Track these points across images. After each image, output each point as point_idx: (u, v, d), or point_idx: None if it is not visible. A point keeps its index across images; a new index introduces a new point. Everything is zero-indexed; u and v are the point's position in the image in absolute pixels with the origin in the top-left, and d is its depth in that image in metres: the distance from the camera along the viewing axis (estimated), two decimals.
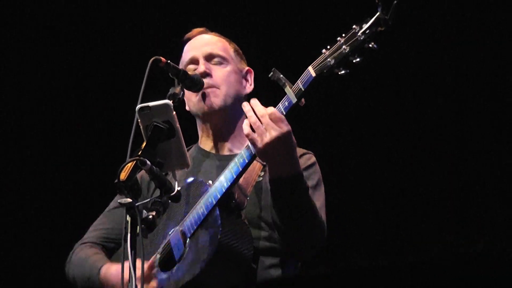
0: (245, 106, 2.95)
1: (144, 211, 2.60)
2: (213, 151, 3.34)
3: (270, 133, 2.87)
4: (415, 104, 4.74)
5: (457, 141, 4.69)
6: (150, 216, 2.61)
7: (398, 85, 4.78)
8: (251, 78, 3.40)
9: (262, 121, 2.89)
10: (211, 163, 3.28)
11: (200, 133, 3.40)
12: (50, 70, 5.15)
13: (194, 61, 3.33)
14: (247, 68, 3.41)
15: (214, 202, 2.99)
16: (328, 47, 2.90)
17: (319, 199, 3.12)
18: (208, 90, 3.23)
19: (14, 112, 5.17)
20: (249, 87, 3.38)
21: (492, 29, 4.58)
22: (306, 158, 3.20)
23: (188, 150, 3.31)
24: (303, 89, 2.90)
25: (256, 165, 3.11)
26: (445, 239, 4.64)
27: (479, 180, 4.63)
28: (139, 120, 2.70)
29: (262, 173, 3.15)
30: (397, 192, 4.78)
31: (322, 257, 3.47)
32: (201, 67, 3.29)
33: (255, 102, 2.94)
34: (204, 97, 3.24)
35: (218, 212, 2.98)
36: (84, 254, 3.23)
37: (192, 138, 3.40)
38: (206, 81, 3.22)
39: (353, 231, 4.84)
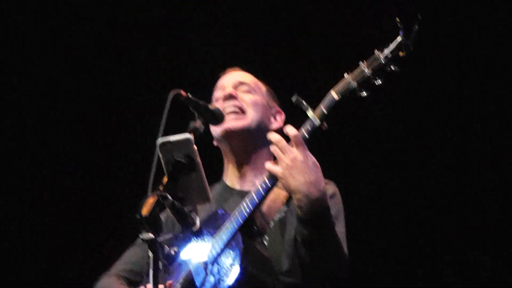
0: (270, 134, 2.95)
1: (166, 247, 2.60)
2: (237, 187, 3.32)
3: (288, 155, 2.87)
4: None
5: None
6: (173, 252, 2.60)
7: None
8: (280, 118, 3.39)
9: (279, 145, 2.89)
10: (234, 200, 3.26)
11: (225, 166, 3.39)
12: (76, 100, 5.20)
13: (222, 88, 3.34)
14: (278, 108, 3.41)
15: (236, 227, 2.99)
16: (349, 71, 2.93)
17: (341, 231, 3.09)
18: (232, 109, 3.24)
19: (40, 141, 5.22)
20: (277, 125, 3.36)
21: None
22: (327, 189, 3.15)
23: (212, 187, 3.33)
24: (325, 112, 2.92)
25: (281, 195, 3.10)
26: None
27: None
28: (160, 155, 2.69)
29: (286, 207, 3.14)
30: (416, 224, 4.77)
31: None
32: (227, 90, 3.30)
33: (272, 133, 2.95)
34: (228, 117, 3.23)
35: (240, 237, 2.97)
36: (108, 282, 3.25)
37: (217, 176, 3.41)
38: (230, 103, 3.25)
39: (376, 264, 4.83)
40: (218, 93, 3.34)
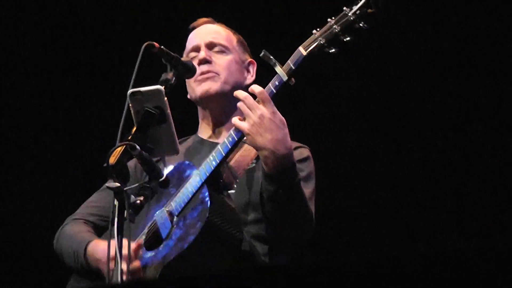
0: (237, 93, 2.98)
1: (132, 196, 2.62)
2: (210, 139, 3.35)
3: (254, 113, 2.91)
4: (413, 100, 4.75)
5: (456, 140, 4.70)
6: (138, 201, 2.63)
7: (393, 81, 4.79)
8: (253, 69, 3.42)
9: (246, 102, 2.93)
10: (205, 151, 3.28)
11: (200, 121, 3.42)
12: (40, 52, 5.16)
13: (196, 48, 3.36)
14: (249, 59, 3.43)
15: (202, 180, 3.01)
16: (318, 28, 2.96)
17: (309, 192, 3.12)
18: (207, 75, 3.27)
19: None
20: (250, 78, 3.40)
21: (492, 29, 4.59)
22: (300, 152, 3.21)
23: (186, 139, 3.36)
24: (293, 68, 2.95)
25: (251, 152, 3.12)
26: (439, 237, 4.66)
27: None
28: (130, 105, 2.70)
29: (255, 161, 3.16)
30: (395, 189, 4.78)
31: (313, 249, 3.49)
32: (202, 54, 3.32)
33: (238, 91, 2.99)
34: (202, 82, 3.27)
35: (206, 190, 2.99)
36: (76, 229, 3.24)
37: (191, 128, 3.43)
38: (205, 67, 3.28)
39: (348, 227, 4.85)
40: (192, 53, 3.36)
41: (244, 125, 2.93)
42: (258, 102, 2.94)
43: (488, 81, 4.61)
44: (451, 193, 4.68)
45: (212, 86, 3.28)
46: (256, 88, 2.94)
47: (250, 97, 2.93)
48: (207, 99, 3.31)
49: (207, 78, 3.27)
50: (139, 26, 5.00)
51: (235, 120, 2.97)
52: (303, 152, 3.23)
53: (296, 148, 3.17)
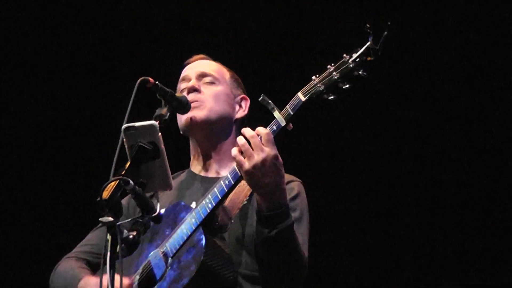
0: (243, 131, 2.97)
1: (125, 231, 2.61)
2: (201, 174, 3.35)
3: (258, 155, 2.89)
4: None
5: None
6: (131, 236, 2.61)
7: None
8: (245, 105, 3.41)
9: (252, 142, 2.91)
10: (197, 186, 3.29)
11: (192, 154, 3.42)
12: (40, 86, 5.18)
13: (186, 79, 3.37)
14: (242, 95, 3.43)
15: (198, 223, 3.00)
16: (318, 75, 2.96)
17: (302, 233, 3.11)
18: (193, 104, 3.24)
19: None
20: (242, 112, 3.39)
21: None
22: (291, 188, 3.19)
23: (180, 174, 3.37)
24: (292, 113, 2.94)
25: (245, 189, 3.11)
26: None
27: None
28: (124, 140, 2.70)
29: (248, 199, 3.15)
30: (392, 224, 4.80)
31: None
32: (191, 82, 3.33)
33: (245, 128, 2.97)
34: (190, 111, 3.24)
35: (201, 232, 2.98)
36: (68, 266, 3.24)
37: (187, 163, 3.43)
38: (193, 95, 3.28)
39: (342, 267, 4.86)
40: (182, 85, 3.38)
41: (245, 164, 2.91)
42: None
43: (487, 82, 4.67)
44: (451, 202, 4.71)
45: (197, 114, 3.28)
46: (262, 130, 2.93)
47: (257, 137, 2.91)
48: (192, 127, 3.30)
49: (194, 107, 3.25)
50: (134, 62, 5.03)
51: (236, 154, 2.93)
52: (294, 187, 3.21)
53: (287, 182, 3.14)
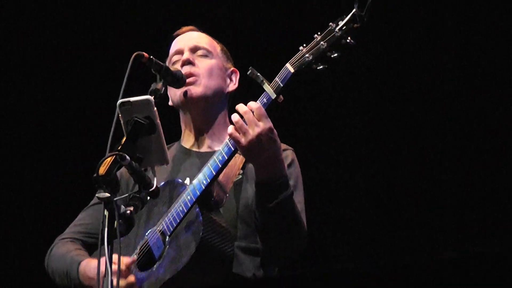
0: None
1: (123, 206, 2.60)
2: (194, 148, 3.34)
3: (253, 130, 2.89)
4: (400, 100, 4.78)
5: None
6: (128, 211, 2.60)
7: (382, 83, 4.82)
8: (235, 78, 3.40)
9: (245, 118, 2.91)
10: (191, 161, 3.28)
11: (182, 129, 3.40)
12: (34, 61, 5.16)
13: (179, 52, 3.35)
14: (232, 68, 3.42)
15: (194, 199, 2.99)
16: (305, 44, 2.96)
17: (300, 201, 3.13)
18: (189, 79, 3.24)
19: None
20: (233, 85, 3.38)
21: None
22: (285, 156, 3.18)
23: (169, 148, 3.34)
24: (281, 85, 2.94)
25: (238, 160, 3.11)
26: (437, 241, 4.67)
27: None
28: (119, 115, 2.69)
29: (242, 171, 3.16)
30: (385, 192, 4.79)
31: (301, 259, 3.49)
32: (185, 55, 3.31)
33: (239, 105, 2.97)
34: (184, 86, 3.22)
35: (198, 209, 2.98)
36: (65, 249, 3.23)
37: (177, 136, 3.41)
38: (187, 68, 3.26)
39: (336, 232, 4.85)
40: (175, 57, 3.35)
41: (242, 140, 2.91)
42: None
43: (486, 83, 4.65)
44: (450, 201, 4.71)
45: (194, 90, 3.26)
46: (253, 104, 2.93)
47: (250, 112, 2.91)
48: (189, 104, 3.28)
49: (189, 83, 3.24)
50: (128, 36, 5.01)
51: (233, 131, 2.93)
52: (288, 155, 3.22)
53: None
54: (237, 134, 2.92)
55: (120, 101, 2.69)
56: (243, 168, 3.14)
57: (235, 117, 2.93)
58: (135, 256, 3.06)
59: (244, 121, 2.91)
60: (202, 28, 3.48)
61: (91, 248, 3.25)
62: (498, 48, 4.60)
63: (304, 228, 3.07)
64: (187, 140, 3.37)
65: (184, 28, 3.45)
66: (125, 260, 2.98)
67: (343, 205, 4.83)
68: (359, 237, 4.81)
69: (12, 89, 5.16)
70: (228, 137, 2.97)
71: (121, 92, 2.73)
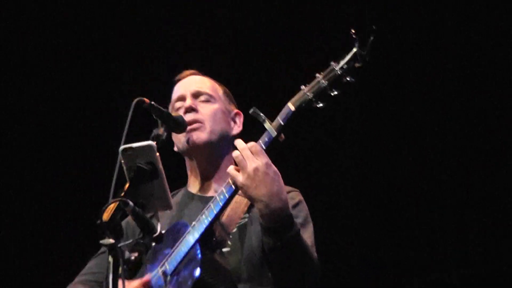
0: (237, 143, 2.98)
1: (127, 252, 2.61)
2: (199, 193, 3.34)
3: (250, 164, 2.90)
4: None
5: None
6: (133, 257, 2.61)
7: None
8: (239, 120, 3.41)
9: (243, 154, 2.92)
10: (196, 206, 3.28)
11: (188, 174, 3.41)
12: (39, 103, 5.17)
13: (181, 98, 3.35)
14: (236, 110, 3.43)
15: (196, 239, 3.00)
16: (307, 84, 2.98)
17: (309, 237, 3.11)
18: (193, 125, 3.25)
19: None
20: (237, 128, 3.39)
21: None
22: (291, 197, 3.18)
23: (176, 193, 3.36)
24: (282, 124, 2.96)
25: (242, 203, 3.13)
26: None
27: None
28: (122, 161, 2.70)
29: (247, 215, 3.16)
30: (385, 192, 4.83)
31: None
32: (187, 102, 3.31)
33: (238, 141, 2.98)
34: (189, 133, 3.25)
35: (198, 248, 2.98)
36: None
37: (183, 182, 3.43)
38: (191, 116, 3.26)
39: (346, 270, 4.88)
40: (178, 103, 3.36)
41: (239, 178, 2.93)
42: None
43: (486, 83, 4.70)
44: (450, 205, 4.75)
45: (199, 136, 3.27)
46: (248, 144, 2.94)
47: (247, 149, 2.93)
48: (194, 150, 3.29)
49: (194, 129, 3.25)
50: (130, 82, 5.03)
51: (231, 170, 2.95)
52: (294, 196, 3.22)
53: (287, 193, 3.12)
54: (234, 172, 2.94)
55: (122, 147, 2.69)
56: (248, 212, 3.15)
57: (235, 153, 2.95)
58: None
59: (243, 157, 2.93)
60: (202, 68, 3.50)
61: None
62: (498, 48, 4.66)
63: (315, 263, 3.04)
64: (193, 185, 3.38)
65: (186, 72, 3.46)
66: None
67: (344, 205, 4.86)
68: (360, 237, 4.84)
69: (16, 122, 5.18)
70: (230, 179, 2.98)
71: (123, 138, 2.74)
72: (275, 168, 2.95)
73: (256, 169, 2.89)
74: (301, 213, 3.18)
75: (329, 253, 4.67)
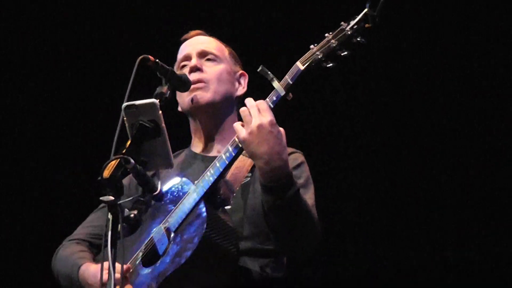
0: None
1: (127, 210, 2.60)
2: (202, 153, 3.34)
3: (255, 121, 2.89)
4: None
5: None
6: (132, 215, 2.60)
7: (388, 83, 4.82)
8: (244, 81, 3.41)
9: (250, 111, 2.91)
10: (198, 165, 3.28)
11: (192, 134, 3.41)
12: (39, 65, 5.17)
13: (187, 57, 3.36)
14: (241, 71, 3.42)
15: (200, 196, 3.00)
16: (316, 43, 2.97)
17: (310, 198, 3.10)
18: (197, 85, 3.25)
19: None
20: (242, 89, 3.38)
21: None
22: (294, 158, 3.19)
23: (179, 153, 3.36)
24: (291, 83, 2.95)
25: (246, 163, 3.12)
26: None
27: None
28: (125, 118, 2.68)
29: (250, 174, 3.16)
30: (391, 194, 4.80)
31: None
32: (193, 62, 3.32)
33: (248, 98, 2.97)
34: (193, 92, 3.25)
35: (203, 205, 2.98)
36: (69, 251, 3.24)
37: (186, 142, 3.42)
38: (196, 75, 3.27)
39: (344, 233, 4.86)
40: (183, 62, 3.36)
41: (242, 132, 2.92)
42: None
43: (486, 83, 4.65)
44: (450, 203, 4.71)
45: (203, 95, 3.27)
46: (259, 101, 2.93)
47: (255, 106, 2.92)
48: (198, 110, 3.30)
49: (198, 88, 3.26)
50: (134, 40, 5.03)
51: (237, 124, 2.95)
52: (297, 157, 3.22)
53: (289, 154, 3.10)
54: (239, 126, 2.93)
55: (125, 104, 2.68)
56: (251, 171, 3.14)
57: (242, 108, 2.94)
58: (139, 254, 3.07)
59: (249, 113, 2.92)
60: (210, 30, 3.48)
61: (99, 248, 3.25)
62: (498, 48, 4.61)
63: (315, 223, 3.03)
64: (197, 145, 3.38)
65: (192, 32, 3.46)
66: (126, 266, 2.99)
67: (345, 205, 4.84)
68: (361, 238, 4.82)
69: (14, 90, 5.17)
70: (236, 136, 2.98)
71: (126, 95, 2.72)
72: (280, 128, 2.93)
73: (260, 126, 2.88)
74: (303, 174, 3.17)
75: (330, 215, 4.64)
